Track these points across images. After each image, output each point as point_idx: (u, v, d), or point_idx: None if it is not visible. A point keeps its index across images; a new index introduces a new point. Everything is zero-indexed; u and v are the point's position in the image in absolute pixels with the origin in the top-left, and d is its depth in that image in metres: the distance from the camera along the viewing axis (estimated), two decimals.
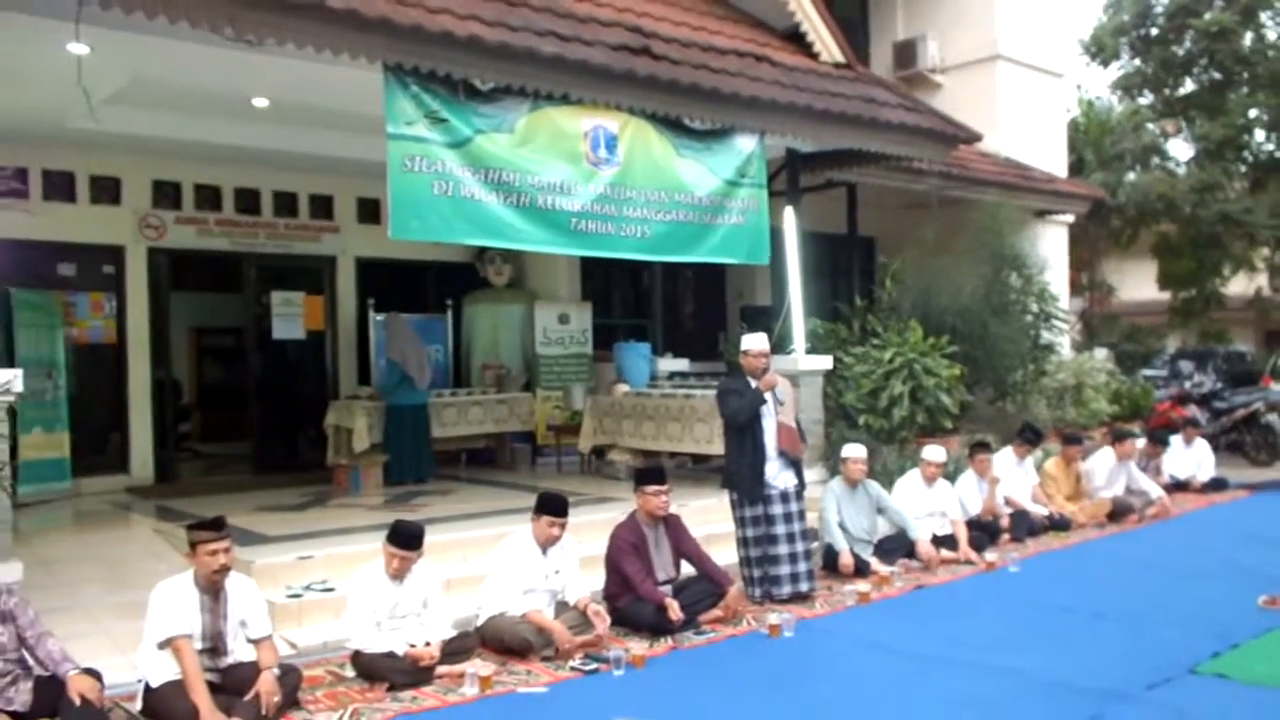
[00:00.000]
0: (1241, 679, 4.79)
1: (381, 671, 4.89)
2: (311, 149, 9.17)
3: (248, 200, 10.52)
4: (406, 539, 5.08)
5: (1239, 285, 25.44)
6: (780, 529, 6.44)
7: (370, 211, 11.09)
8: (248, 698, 4.33)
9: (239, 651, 4.56)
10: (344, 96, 7.09)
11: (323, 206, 10.93)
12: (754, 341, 6.53)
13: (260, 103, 7.95)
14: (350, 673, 5.01)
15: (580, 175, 7.10)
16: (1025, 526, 8.40)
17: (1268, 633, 5.53)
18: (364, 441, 9.20)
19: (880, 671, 5.09)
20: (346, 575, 5.53)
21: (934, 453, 7.95)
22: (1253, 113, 22.76)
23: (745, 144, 8.19)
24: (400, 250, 10.15)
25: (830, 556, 7.13)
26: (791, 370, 8.49)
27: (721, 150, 8.04)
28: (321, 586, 5.89)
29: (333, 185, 10.86)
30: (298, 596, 5.75)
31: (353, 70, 6.10)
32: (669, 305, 12.59)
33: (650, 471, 6.14)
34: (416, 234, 6.34)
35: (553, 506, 5.62)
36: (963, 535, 7.72)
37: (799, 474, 6.58)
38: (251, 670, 4.46)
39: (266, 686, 4.38)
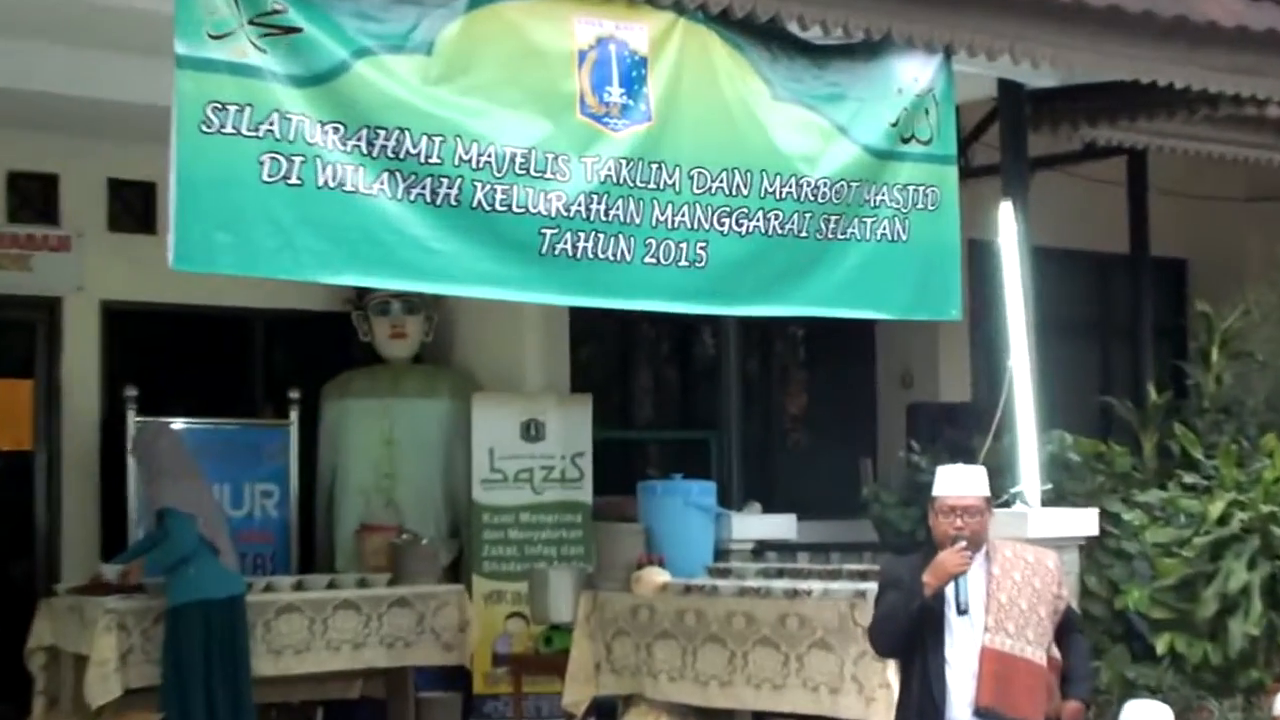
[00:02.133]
0: None
1: None
2: (14, 79, 9.18)
3: None
4: None
5: None
6: None
7: (134, 208, 11.32)
8: None
9: None
10: None
11: (36, 196, 11.10)
12: (952, 481, 6.42)
13: None
14: None
15: (569, 139, 7.14)
16: None
17: None
18: (112, 685, 9.19)
19: None
20: None
21: None
22: None
23: (914, 73, 8.28)
24: (192, 290, 10.31)
25: None
26: (1037, 547, 8.38)
27: (861, 87, 8.12)
28: None
29: (59, 154, 10.99)
30: None
31: None
32: (759, 403, 12.65)
33: None
34: (227, 261, 6.33)
35: None
36: None
37: None
38: None
39: None
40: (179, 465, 9.72)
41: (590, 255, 7.20)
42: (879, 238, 8.15)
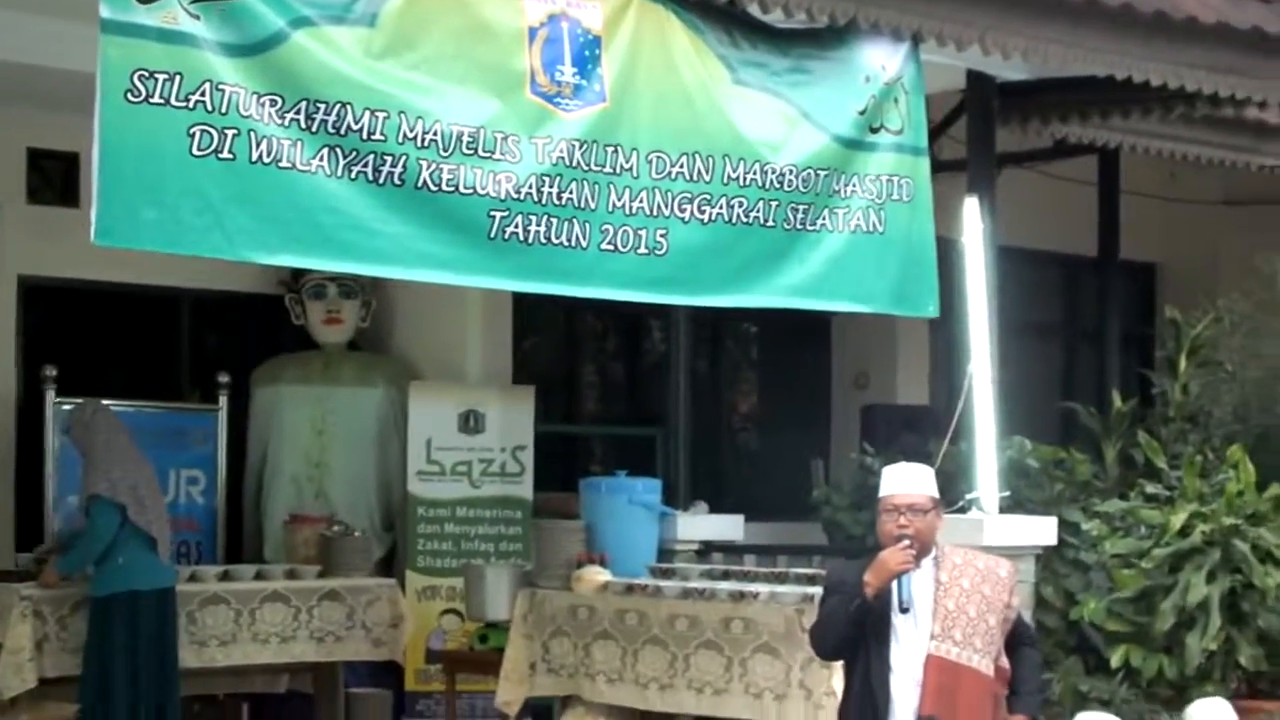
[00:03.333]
0: None
1: None
2: None
3: None
4: None
5: None
6: None
7: (54, 180, 11.21)
8: None
9: None
10: None
11: None
12: (899, 480, 6.44)
13: None
14: None
15: (519, 119, 7.10)
16: None
17: None
18: (26, 675, 9.14)
19: None
20: None
21: None
22: None
23: (880, 59, 8.29)
24: (117, 267, 10.18)
25: None
26: (986, 553, 8.39)
27: (829, 72, 8.13)
28: None
29: None
30: None
31: None
32: (706, 400, 12.63)
33: None
34: (151, 237, 6.24)
35: None
36: None
37: None
38: None
39: None
40: (115, 449, 9.63)
41: (542, 240, 7.16)
42: (853, 229, 8.16)
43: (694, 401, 11.56)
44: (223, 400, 11.33)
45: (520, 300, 11.31)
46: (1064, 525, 9.73)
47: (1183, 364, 11.12)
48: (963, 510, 8.96)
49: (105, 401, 10.11)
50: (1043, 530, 9.40)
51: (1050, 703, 8.84)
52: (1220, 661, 9.43)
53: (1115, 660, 9.50)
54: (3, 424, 11.01)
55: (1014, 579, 6.63)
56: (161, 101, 6.11)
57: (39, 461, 10.66)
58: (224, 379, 11.34)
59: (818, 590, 7.02)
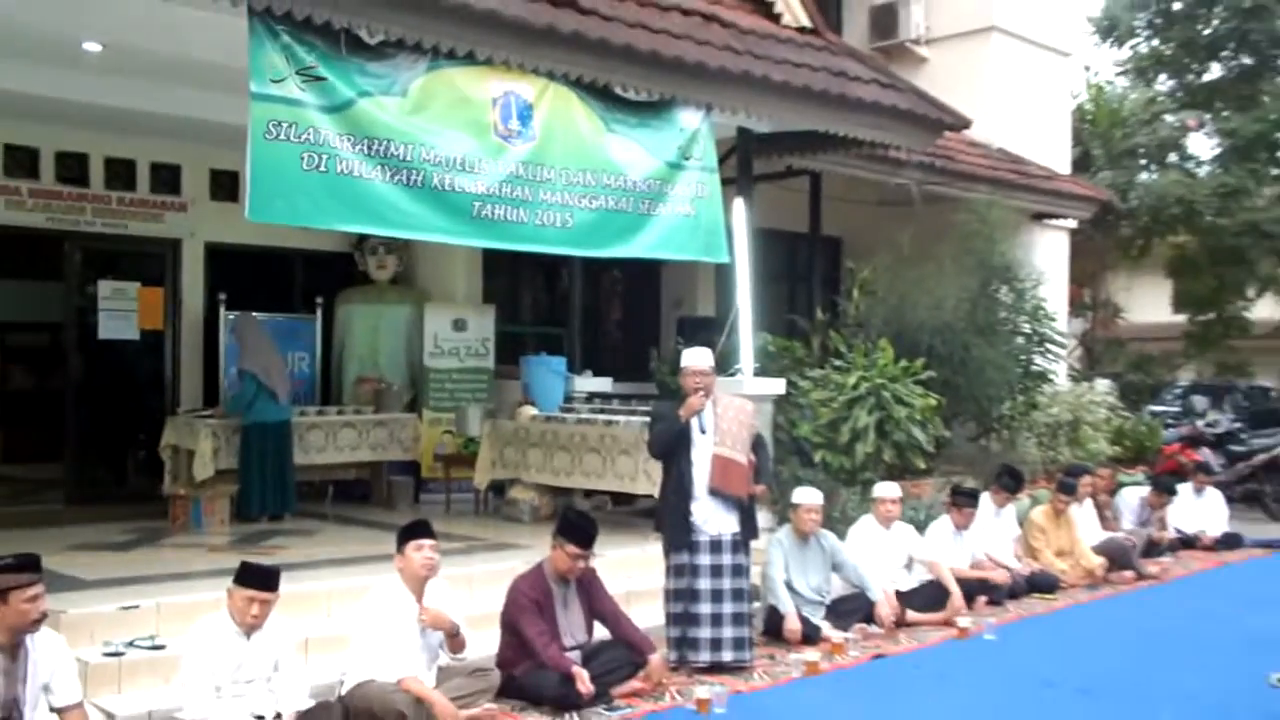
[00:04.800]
0: None
1: None
2: (155, 107, 8.93)
3: (73, 167, 10.29)
4: (262, 578, 5.06)
5: (1266, 309, 26.01)
6: (705, 584, 6.55)
7: (226, 187, 10.93)
8: None
9: None
10: (198, 44, 7.01)
11: (167, 178, 10.75)
12: (693, 358, 6.70)
13: (92, 47, 7.77)
14: None
15: (487, 150, 7.11)
16: (1006, 587, 8.60)
17: None
18: (208, 468, 9.09)
19: None
20: (182, 630, 5.45)
21: (887, 489, 8.24)
22: None
23: (689, 120, 8.28)
24: (261, 235, 10.09)
25: (774, 620, 7.26)
26: (744, 396, 8.60)
27: (661, 126, 8.12)
28: (148, 643, 5.80)
29: (180, 153, 10.68)
30: (118, 655, 5.65)
31: (211, 13, 6.04)
32: (591, 313, 12.58)
33: (579, 527, 6.11)
34: (281, 216, 6.30)
35: (418, 530, 5.64)
36: (952, 584, 8.05)
37: (746, 521, 6.70)
38: None
39: None
40: (258, 341, 9.62)
41: (502, 219, 7.20)
42: (676, 214, 8.18)
43: (584, 314, 11.62)
44: (319, 313, 11.25)
45: (488, 254, 11.27)
46: (790, 384, 9.80)
47: (855, 294, 11.30)
48: (733, 375, 9.04)
49: (253, 314, 10.16)
50: (777, 386, 9.48)
51: (781, 482, 8.97)
52: (874, 459, 9.53)
53: (817, 459, 9.63)
54: (197, 327, 10.87)
55: (755, 412, 7.03)
56: (286, 139, 6.16)
57: (215, 349, 10.58)
58: (319, 301, 11.26)
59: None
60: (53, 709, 4.52)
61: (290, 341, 10.63)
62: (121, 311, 10.58)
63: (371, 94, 6.56)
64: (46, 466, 11.73)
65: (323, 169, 6.37)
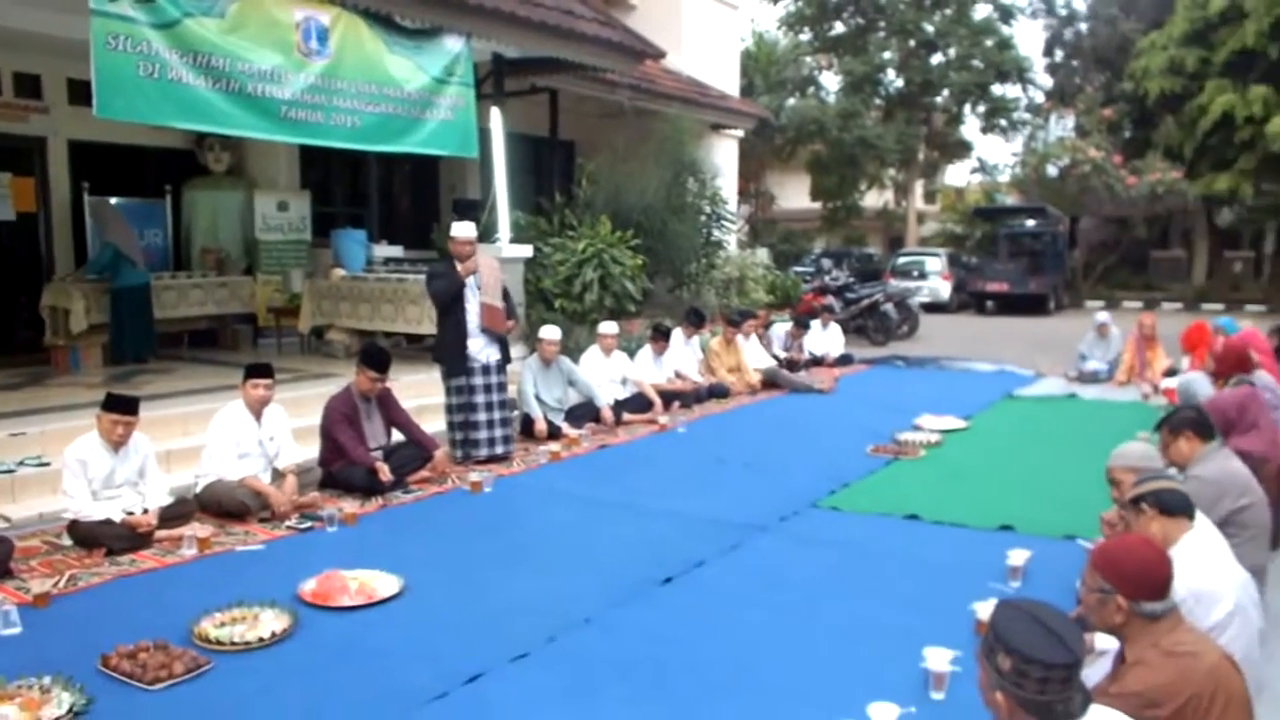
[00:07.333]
0: (849, 509, 5.51)
1: (98, 538, 4.66)
2: (12, 24, 7.92)
3: None
4: (123, 404, 4.83)
5: (871, 199, 27.96)
6: (480, 398, 6.61)
7: (83, 93, 9.42)
8: None
9: None
10: None
11: (29, 86, 9.50)
12: (461, 230, 6.63)
13: None
14: (67, 541, 4.76)
15: (291, 64, 6.71)
16: (692, 395, 9.01)
17: (870, 474, 6.36)
18: (82, 322, 8.46)
19: (569, 517, 5.40)
20: (63, 450, 5.13)
21: (607, 327, 8.43)
22: (886, 54, 24.72)
23: (453, 44, 8.02)
24: (116, 134, 9.16)
25: (527, 423, 7.43)
26: (496, 258, 8.56)
27: (431, 49, 7.83)
28: (36, 461, 5.48)
29: (40, 64, 9.42)
30: (10, 472, 5.33)
31: None
32: (385, 196, 12.14)
33: (375, 357, 5.99)
34: (121, 114, 5.80)
35: (258, 371, 5.47)
36: (654, 395, 8.33)
37: (504, 350, 6.76)
38: None
39: None
40: (113, 220, 8.89)
41: (304, 120, 6.87)
42: (440, 119, 7.94)
43: (380, 197, 11.27)
44: (168, 199, 10.32)
45: (304, 150, 10.59)
46: (536, 249, 9.73)
47: (584, 183, 11.29)
48: (493, 243, 8.93)
49: (109, 198, 9.30)
50: (526, 251, 9.39)
51: (529, 320, 9.00)
52: (596, 304, 9.66)
53: (556, 305, 9.69)
54: (65, 210, 9.75)
55: (502, 270, 6.93)
56: (123, 50, 5.67)
57: (82, 226, 9.55)
58: (168, 188, 10.32)
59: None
60: None
61: (146, 221, 9.84)
62: None
63: (194, 15, 6.08)
64: None
65: (155, 76, 5.91)
